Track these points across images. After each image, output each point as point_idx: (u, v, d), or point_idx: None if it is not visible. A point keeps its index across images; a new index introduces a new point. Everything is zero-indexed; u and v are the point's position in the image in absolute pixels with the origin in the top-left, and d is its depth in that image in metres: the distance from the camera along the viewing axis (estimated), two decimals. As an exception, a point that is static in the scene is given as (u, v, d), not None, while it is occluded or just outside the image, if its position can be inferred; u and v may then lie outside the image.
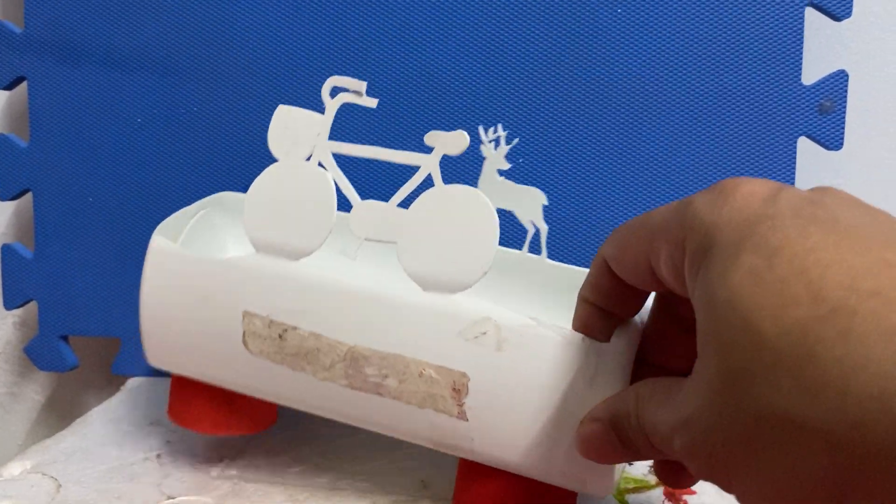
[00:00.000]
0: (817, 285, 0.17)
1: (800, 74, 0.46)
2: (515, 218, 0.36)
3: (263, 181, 0.33)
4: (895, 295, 0.16)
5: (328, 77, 0.49)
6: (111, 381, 0.56)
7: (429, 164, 0.31)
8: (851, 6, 0.46)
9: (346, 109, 0.31)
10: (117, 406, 0.47)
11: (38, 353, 0.52)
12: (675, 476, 0.28)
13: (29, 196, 0.51)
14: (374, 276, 0.32)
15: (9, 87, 0.51)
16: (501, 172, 0.36)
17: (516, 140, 0.37)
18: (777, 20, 0.46)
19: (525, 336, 0.28)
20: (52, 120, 0.50)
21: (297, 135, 0.33)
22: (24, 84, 0.50)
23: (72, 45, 0.50)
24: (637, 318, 0.28)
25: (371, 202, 0.32)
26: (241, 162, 0.49)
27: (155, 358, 0.36)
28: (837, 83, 0.47)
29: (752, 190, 0.20)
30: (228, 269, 0.33)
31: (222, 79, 0.49)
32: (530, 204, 0.35)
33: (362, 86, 0.32)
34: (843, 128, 0.47)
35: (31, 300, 0.52)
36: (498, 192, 0.37)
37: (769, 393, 0.17)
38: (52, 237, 0.51)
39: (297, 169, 0.32)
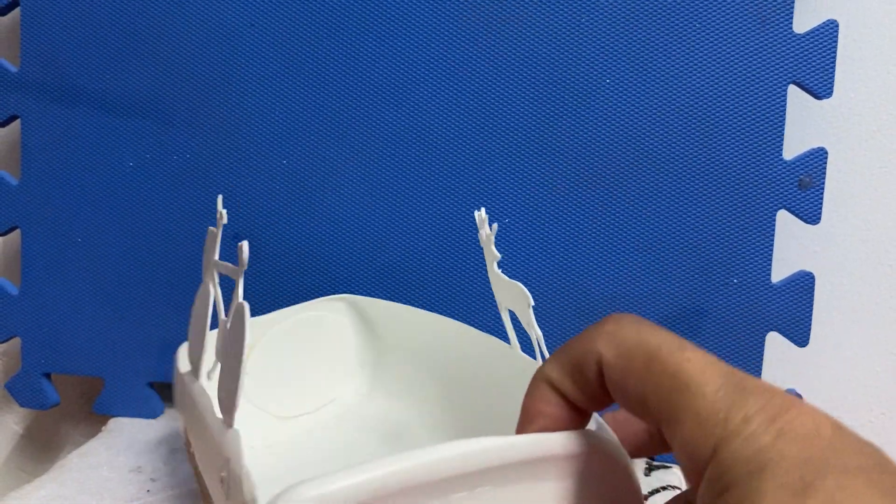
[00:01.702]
0: None
1: (781, 150, 0.48)
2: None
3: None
4: None
5: (322, 128, 0.50)
6: (91, 415, 0.57)
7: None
8: (833, 86, 0.47)
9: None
10: (97, 449, 0.47)
11: (19, 389, 0.52)
12: None
13: (17, 233, 0.51)
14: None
15: (2, 125, 0.51)
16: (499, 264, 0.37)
17: (496, 225, 0.37)
18: (761, 97, 0.47)
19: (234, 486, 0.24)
20: (43, 159, 0.50)
21: (209, 255, 0.33)
22: (17, 122, 0.51)
23: (67, 86, 0.50)
24: None
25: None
26: (231, 210, 0.50)
27: None
28: (817, 159, 0.48)
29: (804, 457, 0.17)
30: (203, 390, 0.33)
31: (215, 128, 0.50)
32: (520, 304, 0.35)
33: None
34: (821, 202, 0.48)
35: (15, 336, 0.52)
36: (497, 286, 0.37)
37: None
38: (39, 275, 0.51)
39: (202, 288, 0.33)
